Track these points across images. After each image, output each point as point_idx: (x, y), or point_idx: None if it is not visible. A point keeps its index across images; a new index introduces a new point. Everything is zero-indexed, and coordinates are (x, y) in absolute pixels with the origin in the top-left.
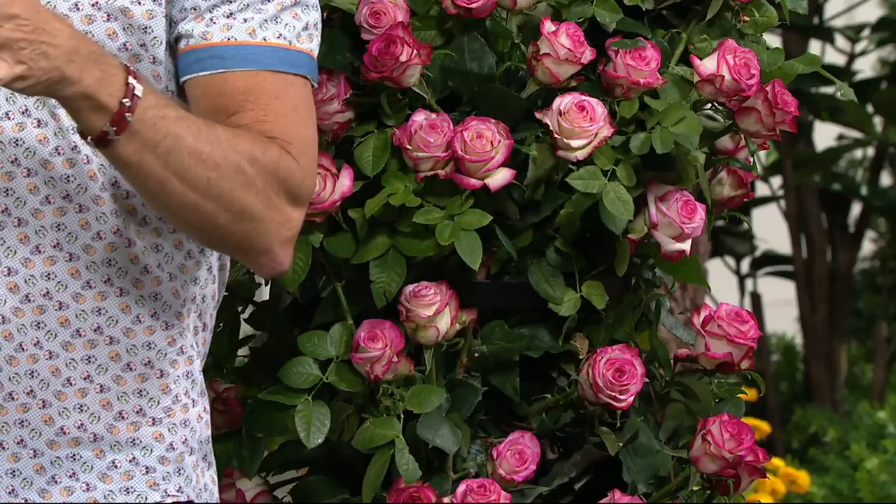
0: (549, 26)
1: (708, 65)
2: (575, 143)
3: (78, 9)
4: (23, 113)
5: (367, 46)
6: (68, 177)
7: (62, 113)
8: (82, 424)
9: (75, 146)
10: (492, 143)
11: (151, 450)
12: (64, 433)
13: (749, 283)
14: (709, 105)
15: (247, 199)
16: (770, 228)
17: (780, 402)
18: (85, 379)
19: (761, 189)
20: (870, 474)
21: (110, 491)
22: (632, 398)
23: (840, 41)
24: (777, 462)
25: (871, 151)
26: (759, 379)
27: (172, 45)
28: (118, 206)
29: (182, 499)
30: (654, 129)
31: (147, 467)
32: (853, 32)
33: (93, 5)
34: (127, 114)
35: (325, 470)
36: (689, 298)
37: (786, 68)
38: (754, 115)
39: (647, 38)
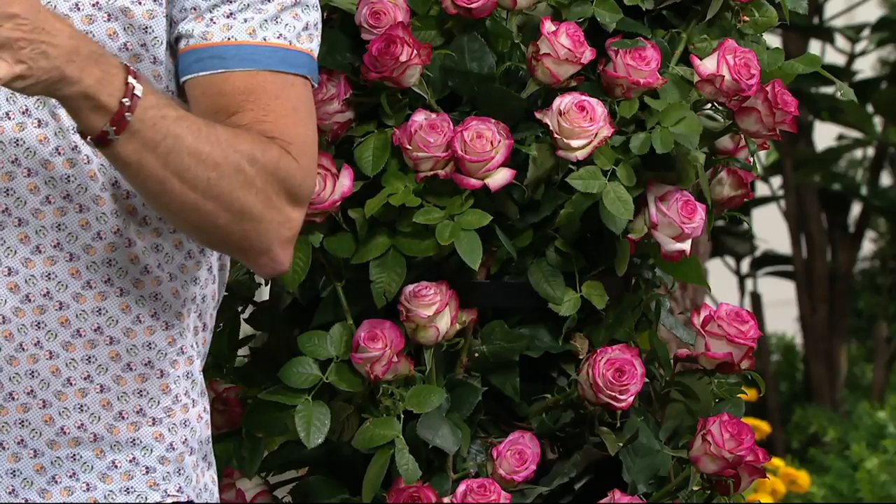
0: (549, 26)
1: (708, 65)
2: (575, 143)
3: (79, 9)
4: (23, 113)
5: (367, 46)
6: (69, 177)
7: (63, 113)
8: (82, 424)
9: (76, 146)
10: (492, 143)
11: (151, 450)
12: (64, 433)
13: (749, 283)
14: (709, 105)
15: (246, 198)
16: (770, 228)
17: (780, 402)
18: (85, 379)
19: (761, 189)
20: (870, 474)
21: (110, 491)
22: (632, 398)
23: (840, 41)
24: (777, 462)
25: (871, 151)
26: (759, 379)
27: (173, 44)
28: (118, 206)
29: (182, 499)
30: (654, 129)
31: (147, 467)
32: (853, 32)
33: (93, 5)
34: (127, 114)
35: (325, 470)
36: (689, 298)
37: (786, 68)
38: (754, 115)
39: (647, 38)
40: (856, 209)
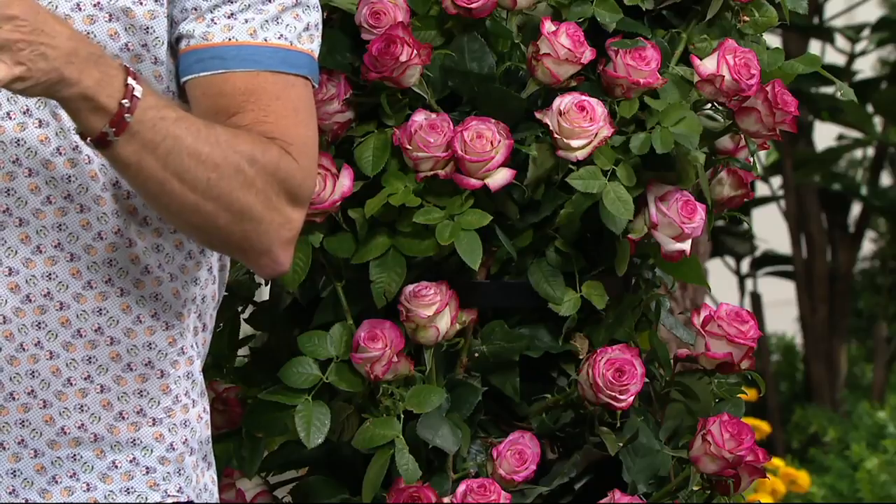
0: (549, 26)
1: (708, 65)
2: (575, 143)
3: (80, 9)
4: (24, 113)
5: (367, 46)
6: (69, 177)
7: (63, 113)
8: (83, 424)
9: (76, 146)
10: (492, 143)
11: (152, 450)
12: (64, 433)
13: (749, 283)
14: (709, 105)
15: (246, 199)
16: (770, 228)
17: (780, 402)
18: (85, 379)
19: (761, 189)
20: (870, 474)
21: (111, 491)
22: (632, 398)
23: (840, 41)
24: (777, 462)
25: (871, 151)
26: (759, 379)
27: (173, 45)
28: (119, 207)
29: (182, 499)
30: (654, 129)
31: (147, 467)
32: (853, 32)
33: (95, 5)
34: (126, 115)
35: (325, 470)
36: (689, 298)
37: (786, 68)
38: (754, 115)
39: (647, 38)
40: (856, 209)
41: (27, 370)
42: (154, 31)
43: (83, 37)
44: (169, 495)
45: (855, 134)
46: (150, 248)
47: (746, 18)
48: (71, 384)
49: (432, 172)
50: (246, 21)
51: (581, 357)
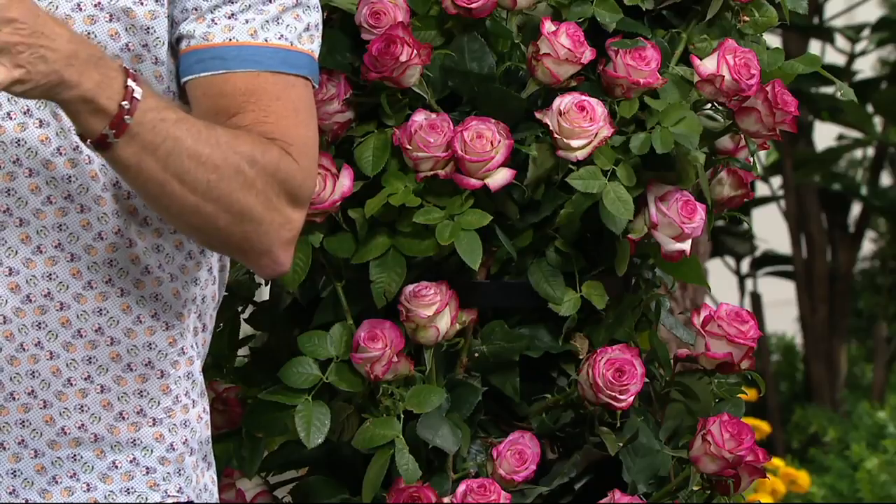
0: (549, 26)
1: (708, 65)
2: (575, 143)
3: (80, 9)
4: (25, 113)
5: (367, 46)
6: (70, 177)
7: (64, 113)
8: (83, 425)
9: (77, 146)
10: (492, 143)
11: (152, 450)
12: (65, 433)
13: (749, 283)
14: (709, 105)
15: (247, 200)
16: (770, 228)
17: (780, 402)
18: (85, 379)
19: (761, 189)
20: (870, 474)
21: (111, 491)
22: (632, 398)
23: (840, 41)
24: (777, 462)
25: (871, 151)
26: (759, 379)
27: (174, 45)
28: (119, 207)
29: (182, 499)
30: (654, 129)
31: (147, 468)
32: (853, 32)
33: (95, 6)
34: (126, 117)
35: (325, 470)
36: (689, 298)
37: (786, 68)
38: (754, 115)
39: (647, 38)
40: (856, 209)
41: (27, 370)
42: (155, 31)
43: (83, 39)
44: (169, 495)
45: (855, 134)
46: (150, 248)
47: (746, 18)
48: (71, 384)
49: (432, 172)
50: (246, 21)
51: (581, 357)
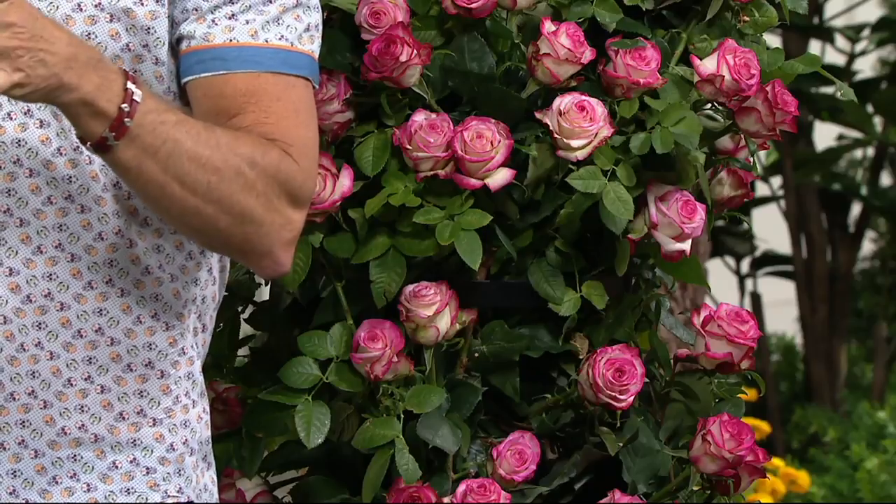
0: (549, 26)
1: (708, 65)
2: (575, 143)
3: (81, 9)
4: (25, 113)
5: (367, 46)
6: (70, 177)
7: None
8: (83, 425)
9: (77, 146)
10: (492, 143)
11: (152, 450)
12: (65, 434)
13: (749, 283)
14: (709, 105)
15: (247, 202)
16: (770, 228)
17: (780, 402)
18: (86, 380)
19: (761, 189)
20: (870, 474)
21: (111, 492)
22: (632, 398)
23: (840, 41)
24: (777, 462)
25: (871, 151)
26: (759, 379)
27: (174, 45)
28: (120, 207)
29: (182, 499)
30: (654, 129)
31: (148, 468)
32: (853, 32)
33: (96, 6)
34: (126, 119)
35: (325, 470)
36: (689, 298)
37: (786, 68)
38: (754, 115)
39: (647, 38)
40: (856, 209)
41: (28, 370)
42: (155, 31)
43: (82, 42)
44: (169, 496)
45: (855, 134)
46: (150, 248)
47: (746, 18)
48: (71, 384)
49: (432, 172)
50: (247, 22)
51: (581, 357)
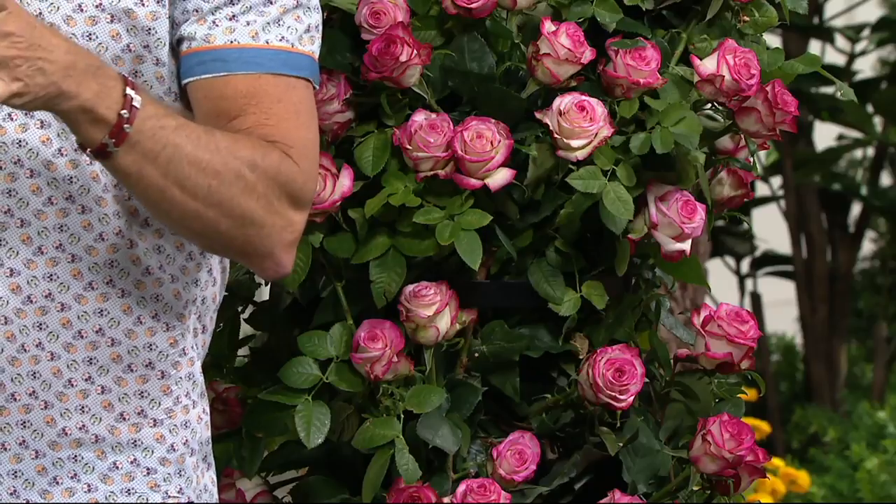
0: (549, 26)
1: (708, 65)
2: (575, 143)
3: (82, 10)
4: (26, 114)
5: (367, 46)
6: (71, 178)
7: None
8: (84, 426)
9: (78, 147)
10: (492, 143)
11: (152, 451)
12: (66, 434)
13: (749, 283)
14: (709, 105)
15: (248, 204)
16: (770, 228)
17: (780, 402)
18: (86, 380)
19: (761, 189)
20: (870, 474)
21: (111, 492)
22: (632, 398)
23: (840, 41)
24: (777, 462)
25: (871, 151)
26: (759, 379)
27: (174, 47)
28: (120, 208)
29: (182, 500)
30: (654, 129)
31: (148, 468)
32: (853, 32)
33: (96, 6)
34: (125, 125)
35: (325, 470)
36: (689, 298)
37: (786, 68)
38: (754, 115)
39: (647, 38)
40: (856, 209)
41: (28, 371)
42: (156, 32)
43: (81, 49)
44: (170, 496)
45: (855, 134)
46: (151, 249)
47: (746, 18)
48: (72, 385)
49: (432, 172)
50: (247, 23)
51: (581, 357)
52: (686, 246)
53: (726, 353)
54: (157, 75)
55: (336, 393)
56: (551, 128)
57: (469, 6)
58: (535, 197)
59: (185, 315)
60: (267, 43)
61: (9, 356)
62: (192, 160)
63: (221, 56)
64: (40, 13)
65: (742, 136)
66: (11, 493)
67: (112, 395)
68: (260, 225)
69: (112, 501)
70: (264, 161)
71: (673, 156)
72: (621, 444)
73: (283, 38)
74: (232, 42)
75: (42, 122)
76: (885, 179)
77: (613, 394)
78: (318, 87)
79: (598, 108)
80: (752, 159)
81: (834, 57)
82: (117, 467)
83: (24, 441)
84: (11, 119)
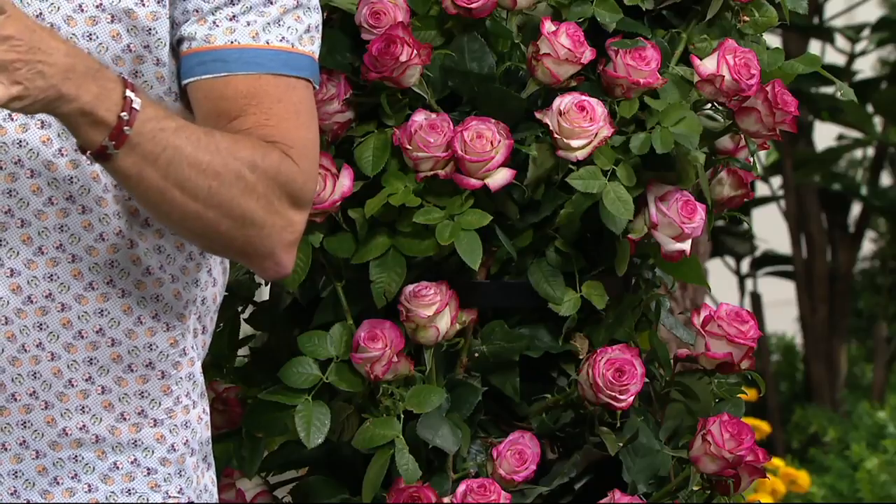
0: (549, 26)
1: (708, 65)
2: (575, 143)
3: (82, 10)
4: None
5: (367, 46)
6: (71, 178)
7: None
8: (84, 426)
9: (78, 150)
10: (492, 143)
11: (153, 451)
12: (66, 434)
13: (749, 283)
14: (709, 105)
15: (248, 205)
16: (770, 228)
17: (780, 402)
18: (86, 380)
19: (761, 189)
20: (870, 474)
21: (112, 492)
22: (632, 398)
23: (840, 41)
24: (777, 462)
25: (871, 151)
26: (759, 379)
27: (174, 47)
28: (121, 208)
29: (183, 500)
30: (654, 129)
31: (148, 468)
32: (853, 32)
33: (97, 7)
34: (125, 128)
35: (325, 470)
36: (689, 298)
37: (786, 68)
38: (754, 115)
39: (647, 38)
40: (856, 209)
41: (29, 371)
42: (156, 32)
43: (80, 51)
44: (170, 496)
45: (855, 134)
46: (151, 249)
47: (746, 18)
48: (72, 385)
49: (432, 172)
50: (248, 24)
51: (581, 357)
52: (686, 246)
53: (726, 353)
54: (157, 75)
55: (336, 393)
56: (551, 128)
57: (469, 6)
58: (535, 197)
59: (185, 315)
60: (267, 43)
61: (9, 356)
62: (192, 162)
63: (222, 56)
64: (41, 13)
65: (742, 136)
66: (12, 494)
67: (112, 395)
68: (260, 225)
69: (112, 501)
70: (264, 161)
71: (673, 156)
72: (621, 444)
73: (283, 38)
74: (232, 42)
75: (42, 122)
76: (885, 179)
77: (613, 394)
78: (318, 87)
79: (598, 108)
80: (752, 159)
81: (834, 57)
82: (118, 467)
83: (24, 441)
84: (12, 119)
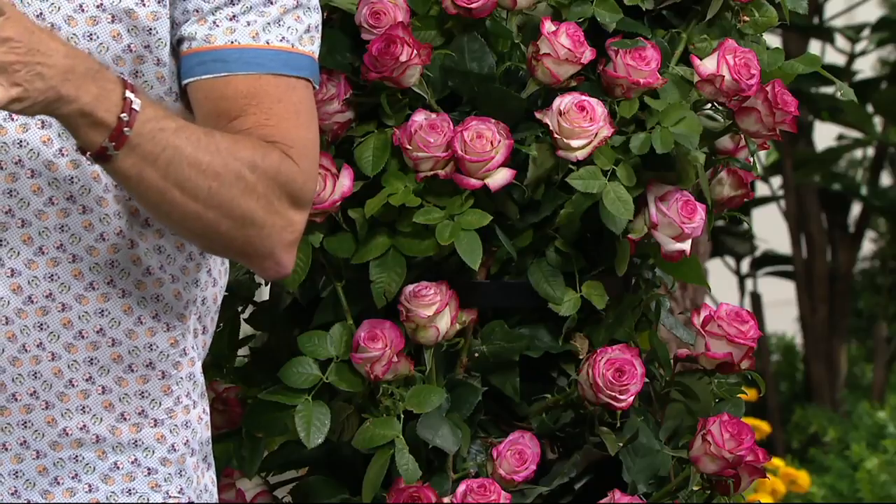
0: (549, 26)
1: (708, 65)
2: (575, 143)
3: (83, 10)
4: None
5: (367, 46)
6: (72, 178)
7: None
8: (84, 426)
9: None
10: (492, 143)
11: (153, 451)
12: (66, 434)
13: (749, 283)
14: (709, 105)
15: (248, 205)
16: (770, 228)
17: (780, 402)
18: (87, 380)
19: (761, 189)
20: (870, 474)
21: (112, 492)
22: (632, 398)
23: (840, 41)
24: (777, 462)
25: (871, 151)
26: (759, 379)
27: (175, 47)
28: (121, 208)
29: (183, 500)
30: (654, 129)
31: (149, 468)
32: (853, 32)
33: (97, 7)
34: (125, 129)
35: (325, 470)
36: (689, 298)
37: (786, 68)
38: (754, 115)
39: (647, 38)
40: (856, 209)
41: (29, 371)
42: (157, 32)
43: (80, 52)
44: (170, 496)
45: (855, 134)
46: (151, 249)
47: (746, 18)
48: (73, 385)
49: (432, 172)
50: (248, 24)
51: (581, 357)
52: (686, 246)
53: (726, 353)
54: (157, 75)
55: (336, 393)
56: (551, 128)
57: (469, 6)
58: (535, 197)
59: (185, 315)
60: (267, 43)
61: (10, 356)
62: (192, 162)
63: (222, 56)
64: (41, 14)
65: (742, 136)
66: (13, 494)
67: (113, 395)
68: (260, 225)
69: (113, 501)
70: (264, 161)
71: (673, 156)
72: (621, 444)
73: (283, 38)
74: (232, 42)
75: (43, 122)
76: (885, 179)
77: (613, 394)
78: (318, 87)
79: (598, 108)
80: (752, 159)
81: (834, 57)
82: (118, 467)
83: (25, 441)
84: (12, 119)
